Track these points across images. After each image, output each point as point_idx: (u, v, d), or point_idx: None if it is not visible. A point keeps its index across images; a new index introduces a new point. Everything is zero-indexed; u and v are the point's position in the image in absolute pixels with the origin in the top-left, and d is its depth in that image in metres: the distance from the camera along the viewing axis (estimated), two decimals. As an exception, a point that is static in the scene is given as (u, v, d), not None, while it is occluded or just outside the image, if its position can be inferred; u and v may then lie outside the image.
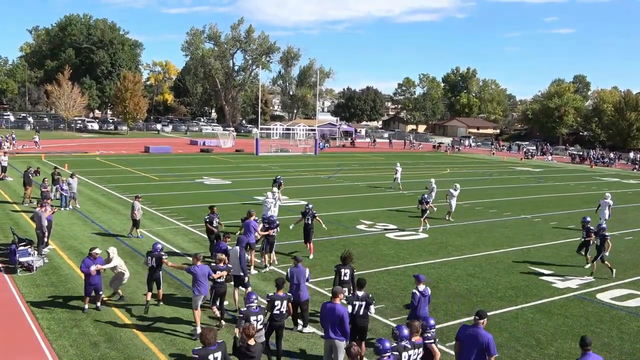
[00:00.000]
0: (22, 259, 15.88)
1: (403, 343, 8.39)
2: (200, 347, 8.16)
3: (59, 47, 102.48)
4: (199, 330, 11.56)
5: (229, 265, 12.99)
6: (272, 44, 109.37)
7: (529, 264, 18.74)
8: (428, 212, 23.60)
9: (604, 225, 18.46)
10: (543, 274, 17.47)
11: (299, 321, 12.44)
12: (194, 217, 23.93)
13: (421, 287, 11.26)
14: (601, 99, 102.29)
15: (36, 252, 16.56)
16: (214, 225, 17.81)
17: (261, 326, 10.09)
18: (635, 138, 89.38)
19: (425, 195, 24.24)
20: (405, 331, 8.48)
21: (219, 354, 8.16)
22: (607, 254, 17.74)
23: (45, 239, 17.41)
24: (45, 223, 17.40)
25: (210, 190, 32.45)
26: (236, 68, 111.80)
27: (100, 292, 13.36)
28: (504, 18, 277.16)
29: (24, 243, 16.68)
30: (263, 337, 10.20)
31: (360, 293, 10.84)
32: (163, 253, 13.55)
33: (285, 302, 10.88)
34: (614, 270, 17.59)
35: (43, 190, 24.19)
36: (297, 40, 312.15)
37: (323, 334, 10.39)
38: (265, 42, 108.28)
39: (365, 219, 25.25)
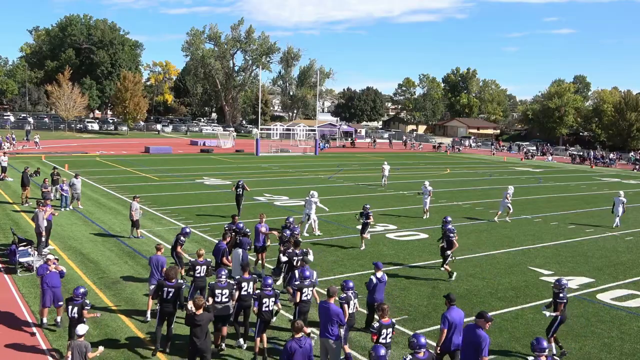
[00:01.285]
0: (22, 259, 15.87)
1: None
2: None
3: (59, 47, 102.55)
4: (149, 317, 12.59)
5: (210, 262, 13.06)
6: (272, 45, 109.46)
7: (529, 264, 18.73)
8: (370, 225, 20.28)
9: (450, 227, 16.86)
10: (543, 275, 17.45)
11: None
12: (194, 218, 23.93)
13: (379, 274, 12.25)
14: (601, 99, 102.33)
15: (36, 253, 16.55)
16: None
17: (227, 299, 11.19)
18: (635, 138, 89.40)
19: (368, 206, 20.40)
20: (423, 340, 8.21)
21: (172, 290, 10.86)
22: (449, 253, 16.57)
23: (44, 240, 17.38)
24: (45, 223, 17.39)
25: (210, 190, 32.44)
26: (236, 68, 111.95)
27: (60, 303, 12.00)
28: (503, 18, 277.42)
29: (24, 243, 16.68)
30: (230, 309, 11.35)
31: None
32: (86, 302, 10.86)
33: (251, 284, 11.74)
34: (454, 274, 16.66)
35: (43, 190, 24.21)
36: (298, 41, 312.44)
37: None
38: (265, 42, 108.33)
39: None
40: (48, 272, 12.13)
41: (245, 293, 11.69)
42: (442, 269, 16.83)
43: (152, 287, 12.63)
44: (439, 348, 9.86)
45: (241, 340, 11.68)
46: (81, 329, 9.47)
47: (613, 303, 15.21)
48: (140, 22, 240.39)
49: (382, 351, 8.09)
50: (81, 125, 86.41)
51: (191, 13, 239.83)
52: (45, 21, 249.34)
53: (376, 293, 12.13)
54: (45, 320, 12.17)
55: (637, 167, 64.61)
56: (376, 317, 10.39)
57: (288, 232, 15.62)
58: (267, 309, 10.91)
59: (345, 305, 10.69)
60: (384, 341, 9.23)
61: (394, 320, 9.94)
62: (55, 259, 12.84)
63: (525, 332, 12.89)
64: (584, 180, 46.88)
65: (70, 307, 10.49)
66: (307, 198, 22.31)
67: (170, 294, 11.04)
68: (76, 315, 10.44)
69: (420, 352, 8.11)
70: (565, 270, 18.18)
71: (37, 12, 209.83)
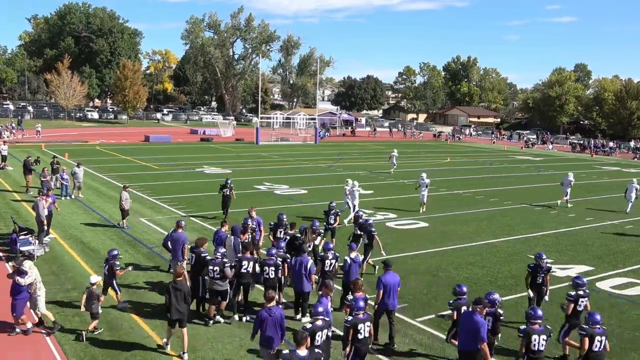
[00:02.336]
0: (23, 248, 15.89)
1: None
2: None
3: (58, 35, 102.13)
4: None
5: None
6: (272, 33, 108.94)
7: (529, 252, 18.76)
8: (335, 226, 18.39)
9: (370, 221, 16.35)
10: (543, 263, 17.45)
11: (300, 309, 12.53)
12: (194, 206, 23.95)
13: (353, 254, 12.91)
14: (602, 88, 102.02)
15: (37, 241, 16.58)
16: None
17: (219, 275, 11.90)
18: (636, 127, 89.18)
19: (334, 204, 18.62)
20: (540, 312, 9.34)
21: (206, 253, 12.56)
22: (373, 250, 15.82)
23: (45, 228, 17.40)
24: (45, 212, 17.41)
25: (210, 179, 32.43)
26: (236, 57, 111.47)
27: (22, 316, 11.27)
28: (504, 6, 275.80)
29: (25, 232, 16.71)
30: (227, 286, 12.11)
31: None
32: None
33: (252, 263, 12.32)
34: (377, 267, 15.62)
35: (43, 180, 24.15)
36: (297, 29, 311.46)
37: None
38: (265, 30, 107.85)
39: (365, 208, 25.24)
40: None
41: (245, 272, 12.25)
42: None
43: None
44: (376, 306, 10.65)
45: (236, 317, 12.34)
46: (93, 278, 11.72)
47: (612, 291, 15.27)
48: (140, 10, 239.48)
49: (362, 303, 9.18)
50: (81, 114, 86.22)
51: (190, 1, 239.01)
52: (44, 9, 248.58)
53: (350, 273, 12.61)
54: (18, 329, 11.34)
55: (637, 155, 64.56)
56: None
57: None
58: (267, 276, 12.14)
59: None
60: (359, 315, 9.36)
61: (367, 296, 10.54)
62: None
63: (525, 320, 12.92)
64: (584, 169, 46.86)
65: (104, 265, 12.62)
66: (349, 188, 22.61)
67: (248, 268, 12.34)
68: (107, 272, 12.41)
69: (359, 313, 9.26)
70: (565, 258, 18.22)
71: (36, 0, 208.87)
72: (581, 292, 10.99)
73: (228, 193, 21.65)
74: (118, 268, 12.50)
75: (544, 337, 9.16)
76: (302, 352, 7.88)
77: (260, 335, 9.45)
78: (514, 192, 31.85)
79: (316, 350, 8.22)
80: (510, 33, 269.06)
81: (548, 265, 12.78)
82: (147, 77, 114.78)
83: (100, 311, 11.61)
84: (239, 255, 12.77)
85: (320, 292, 10.70)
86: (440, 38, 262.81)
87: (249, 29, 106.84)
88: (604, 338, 9.34)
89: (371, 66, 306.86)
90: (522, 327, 9.43)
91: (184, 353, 10.51)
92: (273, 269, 12.20)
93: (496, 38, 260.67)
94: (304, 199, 26.98)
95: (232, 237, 13.89)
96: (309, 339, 8.27)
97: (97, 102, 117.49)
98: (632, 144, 73.83)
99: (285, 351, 8.27)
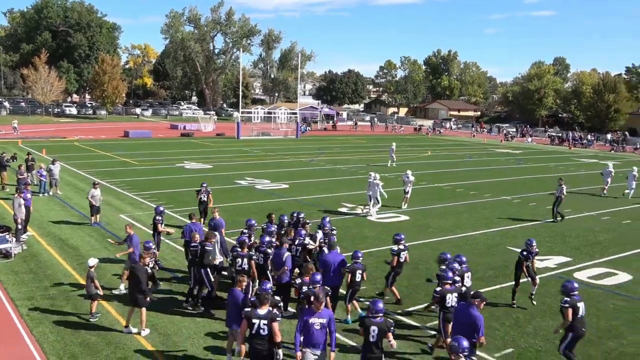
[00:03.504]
0: (0, 246, 15.68)
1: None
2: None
3: (34, 30, 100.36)
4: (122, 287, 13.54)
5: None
6: (253, 27, 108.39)
7: (508, 244, 18.99)
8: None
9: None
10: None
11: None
12: (174, 202, 23.81)
13: (320, 233, 14.02)
14: (580, 81, 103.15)
15: (14, 239, 16.36)
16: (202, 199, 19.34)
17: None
18: (612, 119, 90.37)
19: (302, 215, 15.75)
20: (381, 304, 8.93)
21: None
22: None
23: (20, 227, 17.14)
24: (23, 210, 17.18)
25: (190, 174, 32.25)
26: (216, 51, 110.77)
27: None
28: (484, 0, 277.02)
29: (2, 230, 16.48)
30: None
31: None
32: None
33: (246, 260, 12.36)
34: None
35: (19, 177, 23.78)
36: (278, 23, 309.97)
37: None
38: (245, 24, 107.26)
39: (347, 201, 25.33)
40: None
41: (240, 269, 12.28)
42: None
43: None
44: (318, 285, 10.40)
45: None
46: (91, 261, 12.07)
47: (589, 281, 15.51)
48: (118, 4, 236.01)
49: (381, 305, 8.76)
50: (59, 110, 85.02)
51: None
52: (20, 3, 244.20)
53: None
54: None
55: (614, 148, 65.51)
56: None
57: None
58: (239, 268, 12.34)
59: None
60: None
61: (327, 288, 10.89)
62: None
63: (505, 311, 13.12)
64: (562, 162, 47.45)
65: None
66: (371, 181, 22.54)
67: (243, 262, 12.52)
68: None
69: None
70: (543, 249, 18.43)
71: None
72: (576, 297, 10.11)
73: (205, 198, 19.87)
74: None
75: None
76: (262, 310, 8.76)
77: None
78: (493, 185, 32.16)
79: (274, 310, 8.86)
80: (490, 27, 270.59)
81: (536, 250, 13.89)
82: (126, 72, 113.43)
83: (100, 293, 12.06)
84: (235, 250, 12.74)
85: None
86: (421, 32, 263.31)
87: (230, 23, 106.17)
88: (582, 303, 10.10)
89: (352, 60, 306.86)
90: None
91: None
92: (247, 259, 12.43)
93: (476, 32, 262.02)
94: (285, 194, 26.96)
95: (216, 232, 13.91)
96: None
97: (76, 97, 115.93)
98: (609, 136, 74.85)
99: (248, 309, 8.95)
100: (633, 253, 18.61)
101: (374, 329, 8.56)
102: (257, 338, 8.73)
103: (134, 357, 10.43)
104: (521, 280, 13.57)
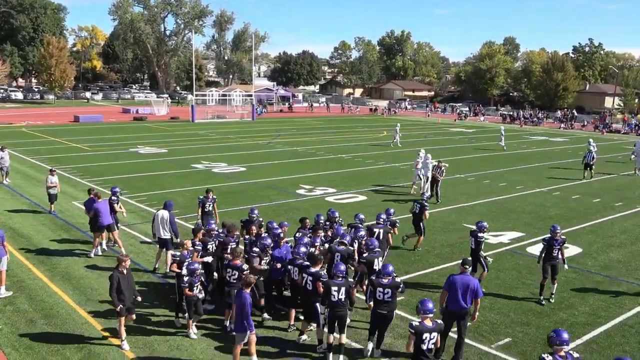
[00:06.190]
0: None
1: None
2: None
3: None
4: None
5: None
6: (205, 8, 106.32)
7: (464, 221, 19.40)
8: None
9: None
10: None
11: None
12: (129, 188, 23.33)
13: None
14: (530, 60, 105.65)
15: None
16: (207, 209, 15.68)
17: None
18: (561, 97, 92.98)
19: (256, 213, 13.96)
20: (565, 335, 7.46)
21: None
22: None
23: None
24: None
25: (145, 159, 31.64)
26: (168, 33, 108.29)
27: None
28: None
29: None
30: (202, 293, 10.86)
31: None
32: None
33: (237, 273, 10.76)
34: None
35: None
36: (231, 4, 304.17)
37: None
38: (197, 5, 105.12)
39: (305, 183, 25.35)
40: None
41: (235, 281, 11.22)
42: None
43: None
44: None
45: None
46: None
47: (541, 255, 15.99)
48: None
49: (430, 305, 8.54)
50: (4, 95, 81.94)
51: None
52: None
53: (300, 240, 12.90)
54: None
55: (563, 125, 67.47)
56: None
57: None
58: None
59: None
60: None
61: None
62: None
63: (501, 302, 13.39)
64: (514, 140, 48.59)
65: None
66: (421, 160, 23.56)
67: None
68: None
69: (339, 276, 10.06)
70: (497, 225, 18.94)
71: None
72: None
73: (210, 208, 15.77)
74: (186, 285, 10.61)
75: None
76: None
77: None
78: (449, 164, 32.66)
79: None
80: (440, 7, 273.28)
81: (563, 237, 12.71)
82: (74, 55, 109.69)
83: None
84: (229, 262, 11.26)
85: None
86: (374, 12, 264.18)
87: (180, 4, 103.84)
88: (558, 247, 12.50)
89: (307, 41, 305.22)
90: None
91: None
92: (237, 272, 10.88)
93: (428, 11, 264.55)
94: (243, 177, 26.78)
95: (166, 211, 13.82)
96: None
97: (21, 81, 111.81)
98: (558, 114, 77.00)
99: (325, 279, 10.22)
100: (581, 227, 19.32)
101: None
102: (337, 306, 9.81)
103: (96, 348, 10.25)
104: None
